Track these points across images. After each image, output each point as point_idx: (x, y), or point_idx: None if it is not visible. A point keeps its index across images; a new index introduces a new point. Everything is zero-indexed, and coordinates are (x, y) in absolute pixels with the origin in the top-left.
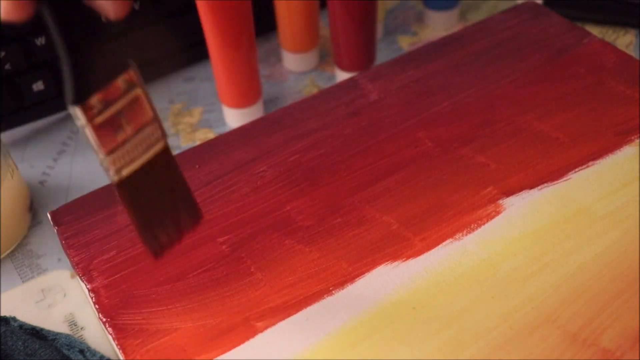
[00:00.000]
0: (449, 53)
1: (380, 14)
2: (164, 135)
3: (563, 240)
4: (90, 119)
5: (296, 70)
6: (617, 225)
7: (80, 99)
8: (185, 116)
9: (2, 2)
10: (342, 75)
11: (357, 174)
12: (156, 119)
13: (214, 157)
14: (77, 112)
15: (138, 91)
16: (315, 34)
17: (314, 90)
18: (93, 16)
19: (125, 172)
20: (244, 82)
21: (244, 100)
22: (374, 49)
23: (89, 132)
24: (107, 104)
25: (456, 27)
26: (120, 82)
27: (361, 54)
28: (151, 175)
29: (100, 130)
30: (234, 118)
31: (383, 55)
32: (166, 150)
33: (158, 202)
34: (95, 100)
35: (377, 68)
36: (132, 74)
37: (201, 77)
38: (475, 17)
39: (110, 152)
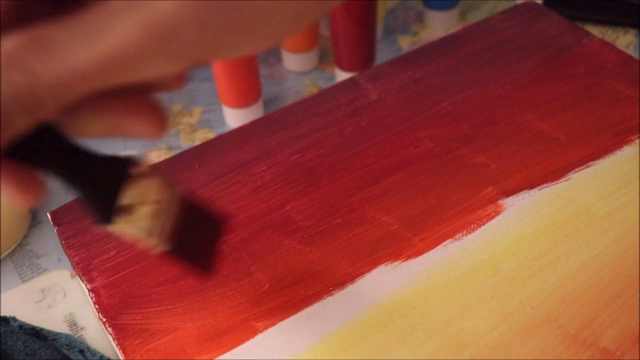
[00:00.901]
0: (449, 53)
1: (380, 14)
2: (177, 184)
3: (563, 240)
4: (126, 225)
5: (296, 70)
6: (617, 225)
7: (109, 219)
8: (185, 116)
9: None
10: (342, 75)
11: (357, 174)
12: (168, 186)
13: (214, 157)
14: (114, 230)
15: (149, 180)
16: (315, 34)
17: (314, 90)
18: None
19: (168, 236)
20: (244, 82)
21: (244, 100)
22: (374, 49)
23: (134, 237)
24: (131, 208)
25: (456, 27)
26: (133, 185)
27: (361, 54)
28: (179, 220)
29: (142, 230)
30: (234, 118)
31: (383, 55)
32: (179, 192)
33: (192, 234)
34: (120, 213)
35: (377, 68)
36: (136, 168)
37: (201, 77)
38: (475, 17)
39: (157, 236)
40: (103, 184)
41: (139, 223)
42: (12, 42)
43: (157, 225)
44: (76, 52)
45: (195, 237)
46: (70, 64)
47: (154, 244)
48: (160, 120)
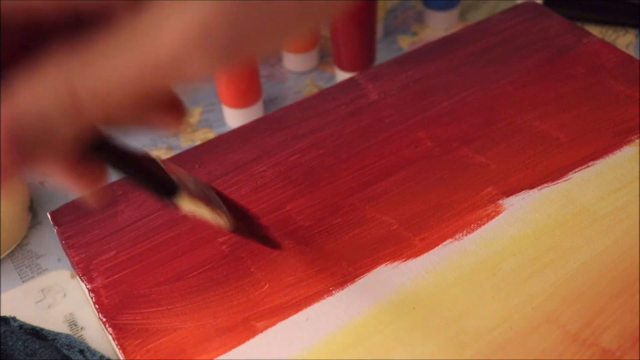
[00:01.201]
0: (449, 53)
1: (380, 14)
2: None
3: (563, 240)
4: (187, 201)
5: (296, 70)
6: (617, 225)
7: (172, 192)
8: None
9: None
10: (342, 75)
11: (357, 174)
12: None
13: (214, 157)
14: (181, 206)
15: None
16: (315, 34)
17: (314, 90)
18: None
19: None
20: (244, 82)
21: (244, 100)
22: (374, 49)
23: (202, 209)
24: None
25: (456, 27)
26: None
27: (361, 54)
28: (225, 202)
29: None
30: (234, 118)
31: (383, 55)
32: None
33: (241, 214)
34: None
35: (377, 68)
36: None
37: None
38: (475, 17)
39: (217, 211)
40: (148, 166)
41: (195, 199)
42: (56, 53)
43: (210, 201)
44: (118, 59)
45: (247, 218)
46: (111, 70)
47: (219, 219)
48: (179, 113)
